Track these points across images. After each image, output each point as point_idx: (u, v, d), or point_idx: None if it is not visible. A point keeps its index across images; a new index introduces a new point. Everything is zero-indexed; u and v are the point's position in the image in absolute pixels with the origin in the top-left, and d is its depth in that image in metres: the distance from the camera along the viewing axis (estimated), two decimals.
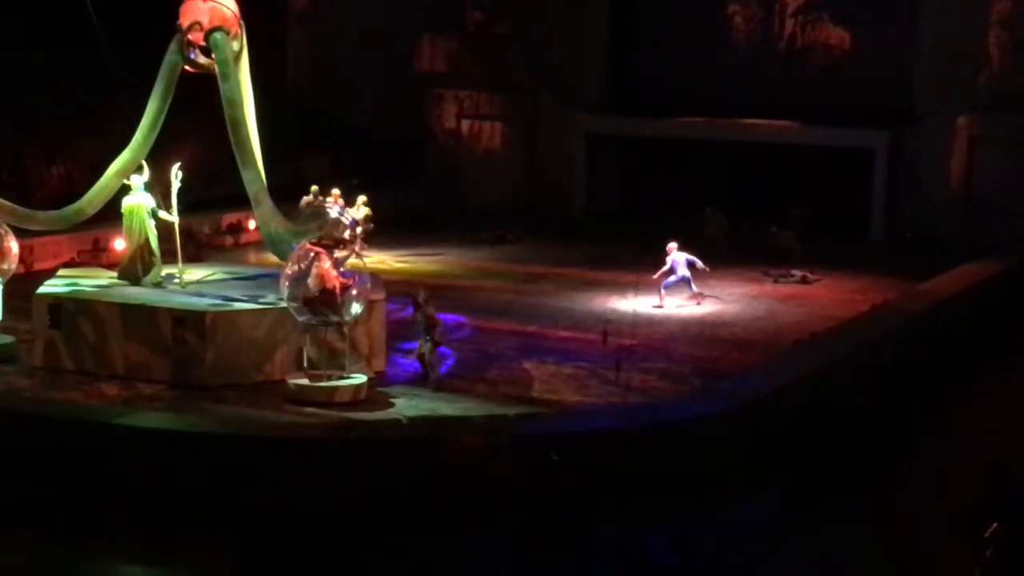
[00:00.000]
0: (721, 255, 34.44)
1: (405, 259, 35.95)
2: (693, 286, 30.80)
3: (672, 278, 30.60)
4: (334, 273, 23.22)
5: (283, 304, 23.75)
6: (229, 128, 25.36)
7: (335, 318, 23.18)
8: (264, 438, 21.09)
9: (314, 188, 33.57)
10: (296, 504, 19.60)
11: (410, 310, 25.53)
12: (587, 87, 45.65)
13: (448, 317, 28.73)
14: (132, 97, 26.96)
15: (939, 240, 39.22)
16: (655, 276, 30.61)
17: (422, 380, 24.00)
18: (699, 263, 30.77)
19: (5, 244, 25.55)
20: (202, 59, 25.76)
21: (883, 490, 21.40)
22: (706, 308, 30.58)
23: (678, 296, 30.79)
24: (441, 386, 23.79)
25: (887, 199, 41.60)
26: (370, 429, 21.71)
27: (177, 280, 25.83)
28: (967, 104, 40.87)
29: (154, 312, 24.19)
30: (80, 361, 24.43)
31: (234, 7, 25.80)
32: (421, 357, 24.15)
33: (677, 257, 30.61)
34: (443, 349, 24.96)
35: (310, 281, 23.17)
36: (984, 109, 40.56)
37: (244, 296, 25.10)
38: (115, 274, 26.67)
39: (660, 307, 30.35)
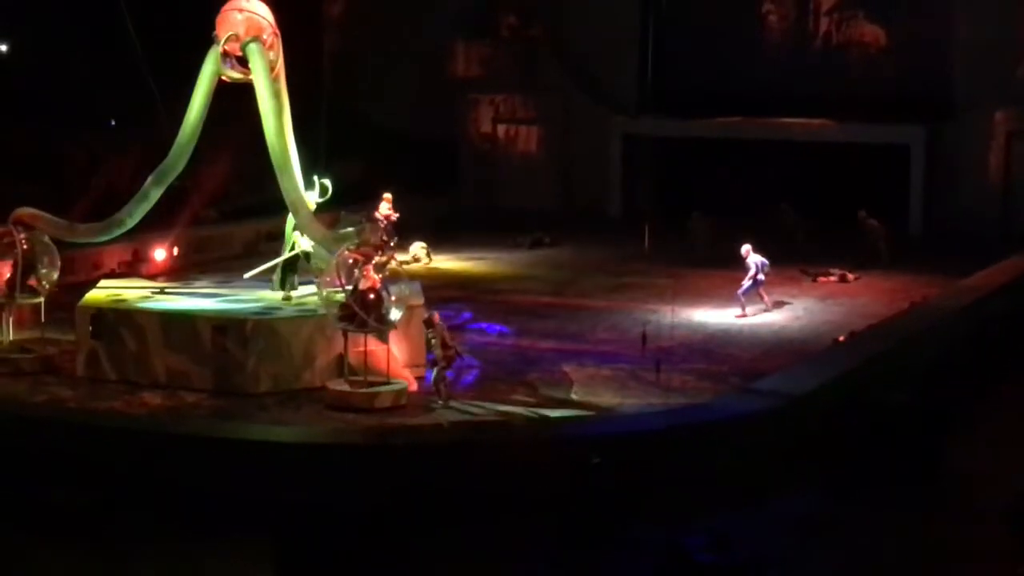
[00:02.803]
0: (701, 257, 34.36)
1: (442, 264, 36.06)
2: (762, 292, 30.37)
3: (747, 283, 29.91)
4: (376, 277, 23.39)
5: (323, 311, 23.89)
6: (267, 137, 25.49)
7: (374, 324, 23.27)
8: (306, 443, 21.21)
9: (387, 195, 33.60)
10: (338, 508, 19.68)
11: (464, 316, 25.39)
12: (622, 89, 45.67)
13: (491, 327, 28.81)
14: (170, 108, 27.13)
15: (978, 235, 39.06)
16: (744, 285, 29.95)
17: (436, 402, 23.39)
18: (768, 267, 30.25)
19: (47, 256, 25.79)
20: (239, 69, 25.88)
21: (925, 486, 21.33)
22: (745, 308, 30.45)
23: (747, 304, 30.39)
24: (452, 402, 23.16)
25: (925, 195, 41.49)
26: (412, 434, 21.79)
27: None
28: (1004, 98, 40.72)
29: (194, 321, 24.35)
30: (122, 371, 24.60)
31: (270, 17, 25.92)
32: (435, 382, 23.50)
33: (755, 259, 29.82)
34: (468, 359, 24.93)
35: (361, 286, 23.29)
36: (1021, 103, 40.39)
37: (285, 303, 25.29)
38: (154, 284, 27.01)
39: (743, 316, 29.80)
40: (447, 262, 36.32)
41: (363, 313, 23.18)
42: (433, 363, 23.53)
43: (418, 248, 35.83)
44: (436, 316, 23.64)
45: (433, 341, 23.41)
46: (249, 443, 21.08)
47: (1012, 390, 26.90)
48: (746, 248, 30.10)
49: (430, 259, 36.00)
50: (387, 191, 34.37)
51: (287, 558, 19.18)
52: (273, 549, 19.28)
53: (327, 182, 25.95)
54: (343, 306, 23.39)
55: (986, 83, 40.96)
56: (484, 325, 28.93)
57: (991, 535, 18.04)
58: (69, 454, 21.03)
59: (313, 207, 25.79)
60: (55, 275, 25.98)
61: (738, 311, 29.95)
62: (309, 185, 25.88)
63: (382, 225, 30.97)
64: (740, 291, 30.01)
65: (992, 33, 40.98)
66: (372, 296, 23.24)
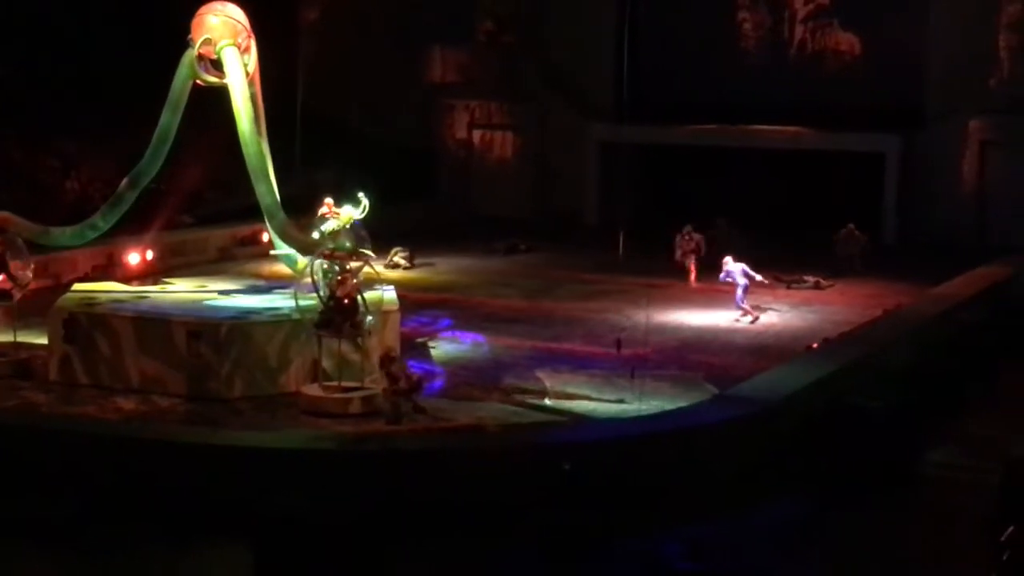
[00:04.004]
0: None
1: (418, 269, 36.02)
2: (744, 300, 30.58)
3: (739, 291, 30.16)
4: (353, 282, 23.36)
5: (298, 316, 23.86)
6: (241, 141, 25.44)
7: (349, 330, 23.22)
8: (280, 449, 21.16)
9: (328, 200, 33.56)
10: (313, 515, 19.65)
11: (444, 323, 25.19)
12: (599, 95, 45.71)
13: (466, 335, 28.78)
14: (144, 112, 27.10)
15: (951, 243, 39.19)
16: (737, 293, 30.22)
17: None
18: (756, 275, 30.43)
19: (20, 259, 25.68)
20: (213, 73, 25.85)
21: (898, 493, 21.39)
22: (720, 315, 30.52)
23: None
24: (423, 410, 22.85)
25: (899, 203, 41.63)
26: (386, 439, 21.76)
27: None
28: (978, 108, 40.89)
29: (169, 325, 24.26)
30: (95, 375, 24.50)
31: (245, 21, 25.89)
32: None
33: (734, 268, 30.13)
34: (431, 367, 24.91)
35: (339, 292, 23.23)
36: (995, 112, 40.57)
37: (259, 308, 25.21)
38: (128, 287, 26.98)
39: (756, 319, 30.12)
40: (422, 268, 36.28)
41: (339, 319, 23.14)
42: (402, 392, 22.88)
43: (397, 254, 35.75)
44: (394, 351, 23.39)
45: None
46: (223, 448, 21.03)
47: (984, 396, 27.00)
48: (727, 259, 30.30)
49: (412, 264, 35.96)
50: (327, 197, 34.05)
51: (264, 564, 19.14)
52: (250, 555, 19.25)
53: (362, 195, 25.74)
54: (319, 311, 23.35)
55: (960, 92, 41.12)
56: (458, 333, 28.89)
57: (965, 540, 18.08)
58: (41, 460, 20.96)
59: (359, 217, 25.62)
60: (28, 277, 25.86)
61: (748, 319, 30.15)
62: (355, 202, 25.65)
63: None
64: (737, 300, 30.09)
65: (966, 42, 41.15)
66: (348, 302, 23.21)
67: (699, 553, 18.24)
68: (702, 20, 45.42)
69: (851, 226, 36.56)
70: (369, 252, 24.32)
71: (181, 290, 26.98)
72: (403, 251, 35.91)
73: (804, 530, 20.00)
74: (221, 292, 26.63)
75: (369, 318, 23.49)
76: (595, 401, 23.90)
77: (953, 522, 19.61)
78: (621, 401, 23.64)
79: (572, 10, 45.63)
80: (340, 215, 25.55)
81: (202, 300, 25.87)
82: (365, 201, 25.09)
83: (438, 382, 24.98)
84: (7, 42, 38.50)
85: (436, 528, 19.55)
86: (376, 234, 26.55)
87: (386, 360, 22.80)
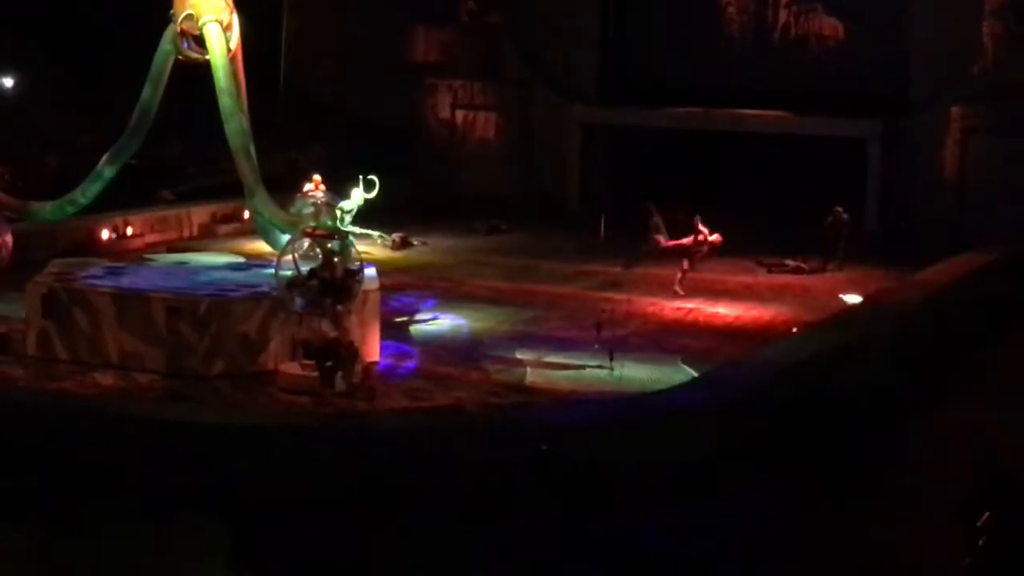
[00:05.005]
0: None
1: (398, 249, 35.96)
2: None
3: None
4: (336, 260, 23.35)
5: (277, 293, 23.82)
6: (223, 118, 25.36)
7: (330, 308, 23.19)
8: (257, 427, 21.13)
9: (316, 177, 33.53)
10: (288, 495, 19.62)
11: (428, 303, 25.30)
12: (582, 77, 45.66)
13: (446, 315, 28.77)
14: (126, 87, 27.02)
15: (933, 229, 39.20)
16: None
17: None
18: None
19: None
20: (195, 49, 25.75)
21: (876, 480, 21.42)
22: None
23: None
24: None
25: (881, 189, 41.65)
26: (364, 418, 21.75)
27: None
28: (961, 94, 40.90)
29: (148, 301, 24.20)
30: (74, 350, 24.43)
31: None
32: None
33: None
34: (405, 348, 24.97)
35: (323, 272, 23.21)
36: (978, 99, 40.58)
37: (238, 284, 25.15)
38: (108, 263, 26.88)
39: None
40: (403, 248, 36.22)
41: (319, 296, 23.11)
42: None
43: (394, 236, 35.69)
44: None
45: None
46: (201, 425, 20.99)
47: (964, 384, 27.04)
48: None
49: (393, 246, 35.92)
50: (316, 174, 34.01)
51: (241, 542, 19.10)
52: (227, 533, 19.21)
53: (373, 178, 25.66)
54: (302, 290, 23.30)
55: (944, 78, 41.12)
56: (438, 314, 28.86)
57: (941, 526, 18.10)
58: (18, 435, 20.89)
59: (360, 203, 25.47)
60: (8, 250, 25.77)
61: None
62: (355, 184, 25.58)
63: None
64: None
65: (950, 28, 41.13)
66: (329, 280, 23.17)
67: (676, 537, 18.23)
68: (686, 3, 45.38)
69: (838, 210, 36.61)
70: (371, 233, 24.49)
71: (162, 266, 26.91)
72: (400, 236, 35.76)
73: (782, 516, 20.00)
74: (201, 267, 26.58)
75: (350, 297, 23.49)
76: (576, 370, 24.04)
77: (930, 507, 19.64)
78: (601, 367, 23.74)
79: None
80: (352, 197, 25.50)
81: (182, 274, 25.83)
82: (373, 179, 25.19)
83: (412, 362, 25.03)
84: None
85: (413, 508, 19.54)
86: (362, 213, 26.63)
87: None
